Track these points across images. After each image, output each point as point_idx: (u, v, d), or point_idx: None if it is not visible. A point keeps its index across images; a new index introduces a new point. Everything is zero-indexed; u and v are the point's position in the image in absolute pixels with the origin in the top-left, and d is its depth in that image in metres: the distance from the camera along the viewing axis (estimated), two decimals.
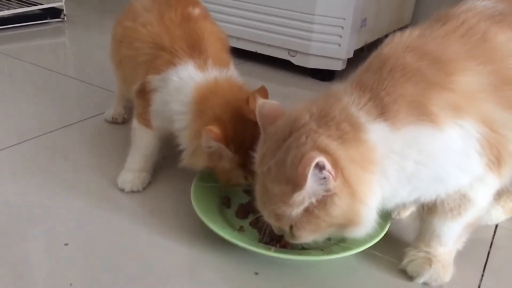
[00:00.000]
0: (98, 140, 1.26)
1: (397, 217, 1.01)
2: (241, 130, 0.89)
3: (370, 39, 1.82)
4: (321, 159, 0.66)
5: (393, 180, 0.73)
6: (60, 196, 1.02)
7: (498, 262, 0.92)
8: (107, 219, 0.96)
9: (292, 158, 0.69)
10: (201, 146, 0.90)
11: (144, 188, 1.05)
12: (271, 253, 0.82)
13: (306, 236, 0.76)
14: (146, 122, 1.04)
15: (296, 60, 1.77)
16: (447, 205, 0.79)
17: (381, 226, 0.81)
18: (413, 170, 0.73)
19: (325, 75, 1.77)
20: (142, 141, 1.06)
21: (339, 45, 1.69)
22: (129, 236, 0.92)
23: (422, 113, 0.71)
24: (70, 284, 0.80)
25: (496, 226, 1.02)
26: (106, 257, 0.86)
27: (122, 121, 1.33)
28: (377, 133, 0.71)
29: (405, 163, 0.72)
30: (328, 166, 0.67)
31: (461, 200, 0.79)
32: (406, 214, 1.01)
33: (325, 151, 0.68)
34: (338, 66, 1.73)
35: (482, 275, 0.88)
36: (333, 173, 0.68)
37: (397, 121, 0.71)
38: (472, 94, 0.73)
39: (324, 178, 0.68)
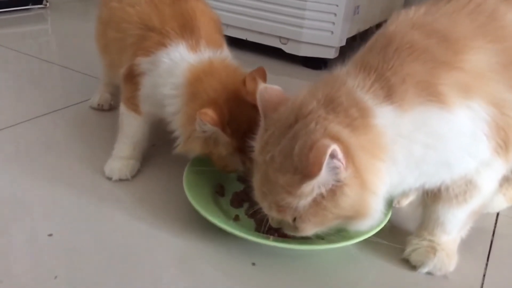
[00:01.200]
0: (84, 127, 1.21)
1: (397, 205, 0.98)
2: (237, 113, 0.85)
3: (362, 27, 1.79)
4: (334, 146, 0.62)
5: (402, 166, 0.70)
6: (43, 185, 0.97)
7: (502, 251, 0.90)
8: (94, 208, 0.91)
9: (301, 146, 0.65)
10: (195, 131, 0.85)
11: (132, 177, 1.01)
12: (271, 243, 0.78)
13: (310, 229, 0.72)
14: (134, 107, 0.99)
15: (288, 48, 1.73)
16: (452, 191, 0.76)
17: (383, 214, 0.78)
18: (421, 154, 0.69)
19: (317, 64, 1.74)
20: (130, 127, 1.01)
21: (332, 32, 1.65)
22: (117, 226, 0.88)
23: (431, 94, 0.68)
24: (55, 277, 0.75)
25: (498, 214, 1.00)
26: (93, 249, 0.82)
27: (109, 108, 1.28)
28: (384, 117, 0.68)
29: (413, 146, 0.69)
30: (340, 154, 0.63)
31: (467, 186, 0.76)
32: (406, 202, 0.98)
33: (336, 139, 0.64)
34: (331, 54, 1.69)
35: (487, 264, 0.86)
36: (344, 162, 0.64)
37: (404, 103, 0.68)
38: (482, 74, 0.70)
39: (335, 167, 0.64)
